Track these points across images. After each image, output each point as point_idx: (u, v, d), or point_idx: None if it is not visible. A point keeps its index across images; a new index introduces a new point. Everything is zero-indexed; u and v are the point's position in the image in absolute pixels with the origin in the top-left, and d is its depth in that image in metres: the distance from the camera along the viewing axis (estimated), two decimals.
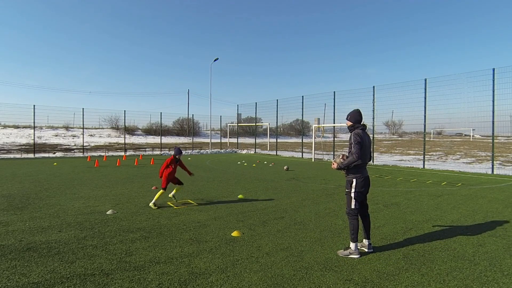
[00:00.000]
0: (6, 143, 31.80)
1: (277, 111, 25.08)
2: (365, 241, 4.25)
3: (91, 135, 42.64)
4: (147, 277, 3.36)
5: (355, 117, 4.16)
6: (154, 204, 6.59)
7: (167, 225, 5.35)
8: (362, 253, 4.08)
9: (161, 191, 6.72)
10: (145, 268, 3.59)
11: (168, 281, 3.27)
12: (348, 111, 4.28)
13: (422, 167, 15.64)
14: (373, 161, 18.11)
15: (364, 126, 4.16)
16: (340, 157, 4.18)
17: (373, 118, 17.88)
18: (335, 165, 4.13)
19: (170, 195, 7.19)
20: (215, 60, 28.45)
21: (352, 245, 3.98)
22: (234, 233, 4.87)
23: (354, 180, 4.04)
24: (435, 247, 4.37)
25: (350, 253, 3.96)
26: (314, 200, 7.52)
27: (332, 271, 3.57)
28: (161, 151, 26.78)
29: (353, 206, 4.07)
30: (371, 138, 18.72)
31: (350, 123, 4.19)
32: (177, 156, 6.93)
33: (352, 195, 4.06)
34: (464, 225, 5.48)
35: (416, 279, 3.38)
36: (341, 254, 4.02)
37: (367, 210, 4.36)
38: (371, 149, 4.18)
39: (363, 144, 3.96)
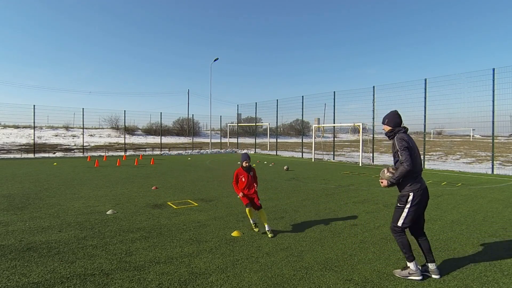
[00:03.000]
0: (6, 143, 31.79)
1: (277, 111, 25.11)
2: (431, 265, 3.43)
3: (91, 135, 42.62)
4: (147, 277, 3.36)
5: (394, 119, 3.50)
6: (255, 225, 5.19)
7: (167, 225, 5.35)
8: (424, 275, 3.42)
9: (247, 209, 5.17)
10: (145, 268, 3.59)
11: (168, 281, 3.27)
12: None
13: (422, 167, 15.61)
14: (373, 161, 18.12)
15: (406, 128, 3.52)
16: (386, 172, 3.46)
17: (373, 118, 17.89)
18: (384, 183, 3.41)
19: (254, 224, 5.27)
20: (215, 60, 28.46)
21: (410, 264, 3.35)
22: (234, 233, 4.87)
23: (411, 194, 3.31)
24: (435, 247, 4.36)
25: (410, 274, 3.34)
26: (314, 200, 7.52)
27: (332, 271, 3.57)
28: (161, 151, 26.77)
29: (400, 223, 3.36)
30: (372, 138, 18.80)
31: (389, 128, 3.51)
32: (244, 164, 5.13)
33: (406, 210, 3.34)
34: (464, 225, 5.48)
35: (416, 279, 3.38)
36: (398, 274, 3.42)
37: (423, 228, 3.53)
38: (420, 154, 3.51)
39: (411, 149, 3.33)
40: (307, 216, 6.02)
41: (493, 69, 13.48)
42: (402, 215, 3.36)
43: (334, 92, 19.86)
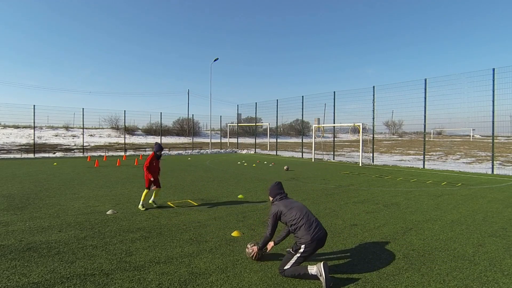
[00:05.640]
0: (6, 143, 31.79)
1: (277, 111, 25.10)
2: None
3: (91, 135, 42.62)
4: (147, 277, 3.36)
5: (273, 191, 3.96)
6: (143, 205, 6.51)
7: (167, 225, 5.35)
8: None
9: (146, 190, 6.65)
10: (145, 268, 3.59)
11: (168, 281, 3.27)
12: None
13: (422, 167, 15.64)
14: (373, 161, 18.11)
15: (284, 195, 3.93)
16: (249, 248, 3.88)
17: (373, 118, 17.89)
18: (255, 249, 3.78)
19: (150, 201, 6.77)
20: (215, 60, 28.46)
21: (311, 272, 3.32)
22: (234, 233, 4.87)
23: (303, 247, 3.44)
24: (435, 247, 4.37)
25: (320, 276, 3.23)
26: (314, 200, 7.52)
27: (332, 271, 3.57)
28: None
29: (286, 267, 3.46)
30: (372, 138, 18.78)
31: (271, 198, 3.98)
32: (158, 153, 6.68)
33: (295, 258, 3.46)
34: (464, 225, 5.48)
35: (416, 279, 3.38)
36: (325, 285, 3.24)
37: None
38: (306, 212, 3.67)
39: (286, 211, 3.64)
40: None
41: (493, 69, 13.49)
42: (291, 261, 3.46)
43: (334, 92, 19.87)
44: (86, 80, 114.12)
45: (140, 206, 6.47)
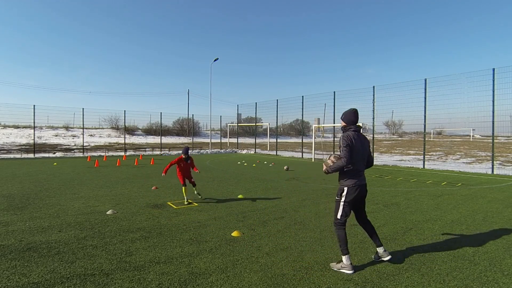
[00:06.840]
0: (6, 143, 31.79)
1: (277, 111, 25.10)
2: (379, 249, 3.75)
3: (91, 135, 42.62)
4: (147, 277, 3.36)
5: (349, 117, 3.73)
6: (186, 200, 7.14)
7: (167, 225, 5.35)
8: (375, 261, 3.77)
9: (183, 187, 7.19)
10: (145, 268, 3.59)
11: (168, 281, 3.27)
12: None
13: (422, 167, 15.64)
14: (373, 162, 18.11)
15: (359, 127, 3.72)
16: (329, 158, 3.73)
17: (373, 118, 17.87)
18: (324, 168, 3.70)
19: (195, 192, 7.59)
20: (215, 60, 28.46)
21: (343, 258, 3.57)
22: (234, 233, 4.87)
23: (346, 189, 3.61)
24: (435, 247, 4.36)
25: (342, 267, 3.56)
26: (314, 200, 7.52)
27: (332, 271, 3.57)
28: (161, 151, 26.77)
29: (339, 216, 3.64)
30: (371, 138, 18.81)
31: (343, 124, 3.80)
32: (183, 156, 7.27)
33: (341, 204, 3.63)
34: (464, 225, 5.48)
35: (416, 279, 3.38)
36: (333, 267, 3.63)
37: (366, 217, 3.89)
38: (370, 153, 3.82)
39: (353, 147, 3.55)
40: (307, 216, 6.02)
41: (493, 69, 13.48)
42: (339, 208, 3.65)
43: (334, 92, 19.87)
44: (86, 80, 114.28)
45: (185, 201, 7.06)
